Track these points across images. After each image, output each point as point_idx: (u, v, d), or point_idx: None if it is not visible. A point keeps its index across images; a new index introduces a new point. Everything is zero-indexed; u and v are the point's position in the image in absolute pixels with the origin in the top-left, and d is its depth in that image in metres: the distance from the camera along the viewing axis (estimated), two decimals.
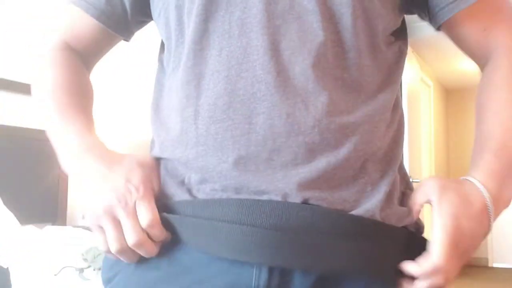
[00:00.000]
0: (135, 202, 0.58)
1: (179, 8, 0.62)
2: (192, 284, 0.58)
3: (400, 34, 0.69)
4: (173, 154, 0.61)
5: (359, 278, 0.58)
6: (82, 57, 0.76)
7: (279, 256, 0.55)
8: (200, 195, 0.60)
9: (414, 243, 0.62)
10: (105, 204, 0.58)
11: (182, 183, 0.62)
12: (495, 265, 6.22)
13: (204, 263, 0.58)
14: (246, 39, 0.57)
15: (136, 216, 0.58)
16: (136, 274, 0.62)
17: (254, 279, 0.55)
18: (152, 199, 0.59)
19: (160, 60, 0.71)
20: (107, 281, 0.66)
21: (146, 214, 0.57)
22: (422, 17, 0.73)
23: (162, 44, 0.71)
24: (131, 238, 0.57)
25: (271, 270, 0.56)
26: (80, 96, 0.72)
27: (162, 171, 0.64)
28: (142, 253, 0.59)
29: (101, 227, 0.59)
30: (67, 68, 0.73)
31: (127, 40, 0.79)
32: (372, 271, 0.59)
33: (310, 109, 0.56)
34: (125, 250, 0.58)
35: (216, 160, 0.57)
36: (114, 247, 0.58)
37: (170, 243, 0.60)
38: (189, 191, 0.61)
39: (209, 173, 0.58)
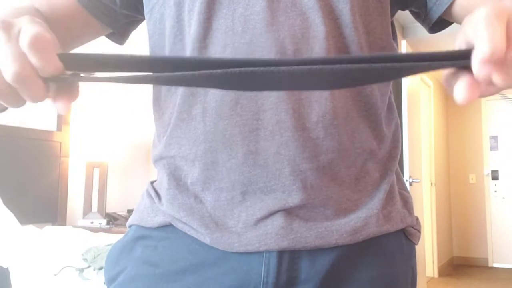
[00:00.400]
0: (19, 30, 0.43)
1: (178, 5, 0.61)
2: (199, 283, 0.58)
3: (393, 36, 0.70)
4: (180, 151, 0.61)
5: (369, 268, 0.60)
6: (50, 25, 0.66)
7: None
8: (206, 196, 0.60)
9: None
10: None
11: (186, 187, 0.62)
12: (495, 265, 6.22)
13: (211, 262, 0.58)
14: (250, 35, 0.58)
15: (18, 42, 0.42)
16: (141, 272, 0.61)
17: (263, 275, 0.56)
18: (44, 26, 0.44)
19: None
20: (110, 280, 0.65)
21: (29, 29, 0.42)
22: (416, 13, 0.72)
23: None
24: (8, 68, 0.41)
25: (279, 264, 0.56)
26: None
27: (165, 174, 0.64)
28: (25, 94, 0.43)
29: None
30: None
31: (120, 43, 0.78)
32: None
33: (314, 106, 0.57)
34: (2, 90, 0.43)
35: (226, 155, 0.58)
36: None
37: (174, 241, 0.60)
38: (195, 195, 0.61)
39: (218, 169, 0.58)
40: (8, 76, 0.41)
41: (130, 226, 0.67)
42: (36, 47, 0.41)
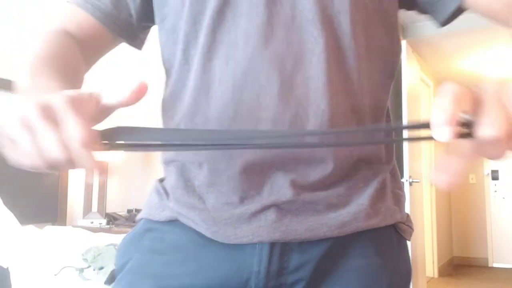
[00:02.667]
0: (61, 114, 0.44)
1: (189, 17, 0.64)
2: (198, 269, 0.61)
3: (394, 43, 0.69)
4: (187, 157, 0.66)
5: (357, 258, 0.62)
6: (81, 45, 0.73)
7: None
8: (209, 198, 0.63)
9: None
10: (21, 113, 0.44)
11: (193, 188, 0.65)
12: (495, 265, 6.22)
13: (210, 252, 0.62)
14: (251, 49, 0.60)
15: (58, 129, 0.44)
16: (146, 259, 0.65)
17: (255, 264, 0.60)
18: (82, 115, 0.46)
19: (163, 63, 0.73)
20: (120, 268, 0.69)
21: (74, 123, 0.44)
22: (423, 11, 0.71)
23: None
24: (51, 155, 0.44)
25: (271, 255, 0.60)
26: (62, 67, 0.64)
27: (175, 174, 0.68)
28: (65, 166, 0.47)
29: (13, 140, 0.45)
30: (57, 43, 0.69)
31: (139, 49, 0.81)
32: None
33: (311, 118, 0.60)
34: (39, 166, 0.46)
35: (225, 164, 0.61)
36: (27, 162, 0.45)
37: (178, 233, 0.64)
38: (199, 196, 0.64)
39: (219, 175, 0.62)
40: (49, 161, 0.44)
41: (139, 220, 0.71)
42: (84, 145, 0.44)
